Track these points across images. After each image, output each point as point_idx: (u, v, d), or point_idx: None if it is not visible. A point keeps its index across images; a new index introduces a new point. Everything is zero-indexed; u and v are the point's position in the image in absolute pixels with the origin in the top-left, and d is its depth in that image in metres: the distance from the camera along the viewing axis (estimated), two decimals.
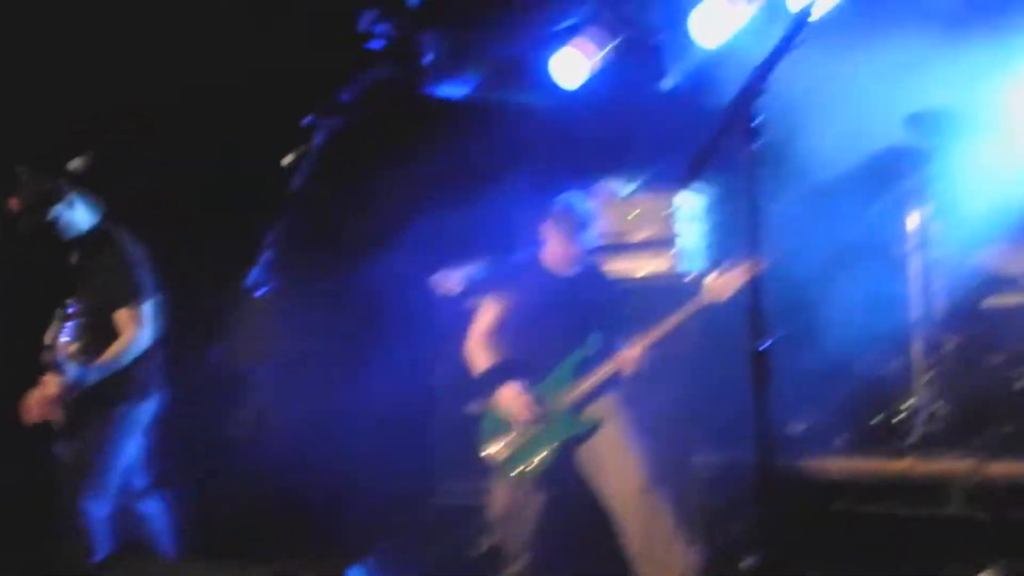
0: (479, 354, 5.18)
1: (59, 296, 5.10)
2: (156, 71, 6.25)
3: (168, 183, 6.13)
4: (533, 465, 4.99)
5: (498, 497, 5.13)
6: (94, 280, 5.13)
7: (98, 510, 5.03)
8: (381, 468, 6.64)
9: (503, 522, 5.11)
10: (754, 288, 2.90)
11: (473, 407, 6.58)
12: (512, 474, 5.01)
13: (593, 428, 4.97)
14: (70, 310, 5.02)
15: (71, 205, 5.24)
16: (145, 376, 5.23)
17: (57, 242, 5.24)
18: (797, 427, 6.13)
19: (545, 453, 4.98)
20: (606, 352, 4.98)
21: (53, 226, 5.21)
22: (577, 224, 5.09)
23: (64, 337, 4.99)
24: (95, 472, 5.04)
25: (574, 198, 5.18)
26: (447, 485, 6.80)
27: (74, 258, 5.29)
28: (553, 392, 5.01)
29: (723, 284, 4.77)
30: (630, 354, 4.87)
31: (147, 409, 5.26)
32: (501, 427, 5.07)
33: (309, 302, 6.71)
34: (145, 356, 5.21)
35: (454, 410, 6.72)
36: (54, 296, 5.13)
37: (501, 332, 5.20)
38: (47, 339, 5.04)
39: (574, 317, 5.05)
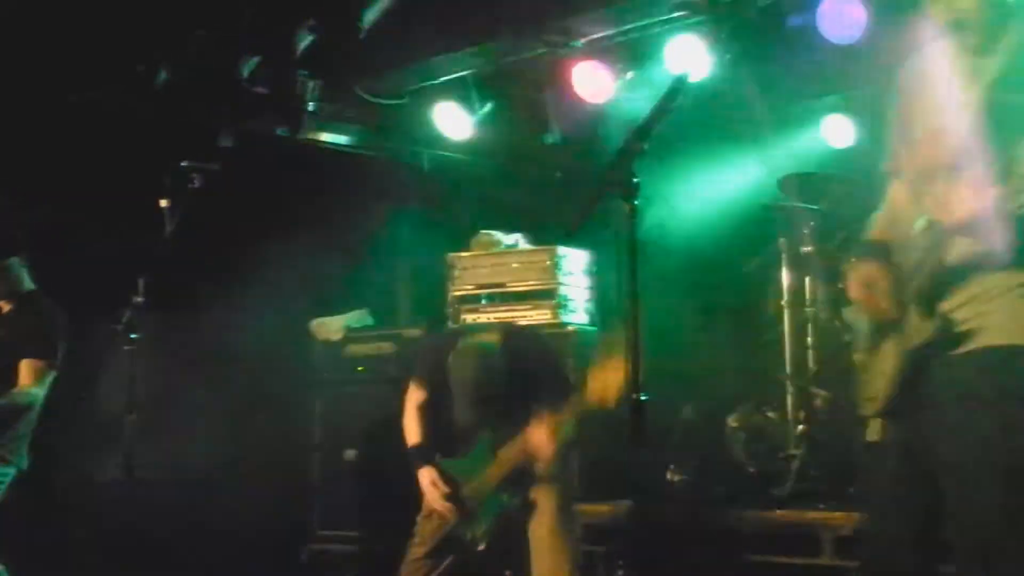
0: (409, 426, 5.03)
1: None
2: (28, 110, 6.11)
3: (41, 223, 5.98)
4: (480, 532, 4.86)
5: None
6: (15, 329, 5.23)
7: None
8: (257, 516, 6.52)
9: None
10: (633, 341, 2.92)
11: (351, 454, 6.55)
12: (465, 537, 4.87)
13: (523, 502, 4.85)
14: None
15: (24, 263, 5.38)
16: (17, 441, 5.16)
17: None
18: (675, 477, 6.20)
19: (486, 526, 4.86)
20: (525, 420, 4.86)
21: (4, 273, 5.31)
22: None
23: None
24: None
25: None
26: (324, 532, 6.72)
27: (5, 307, 5.37)
28: (477, 470, 4.86)
29: (605, 384, 4.42)
30: (539, 438, 4.65)
31: (8, 473, 5.16)
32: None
33: (182, 348, 6.59)
34: (24, 423, 5.17)
35: (332, 457, 6.67)
36: None
37: (433, 401, 5.05)
38: None
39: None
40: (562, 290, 6.38)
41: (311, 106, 6.62)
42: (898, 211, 3.28)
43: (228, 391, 6.56)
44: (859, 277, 3.20)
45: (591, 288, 6.58)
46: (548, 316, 6.33)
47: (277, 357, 6.63)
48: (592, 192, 2.94)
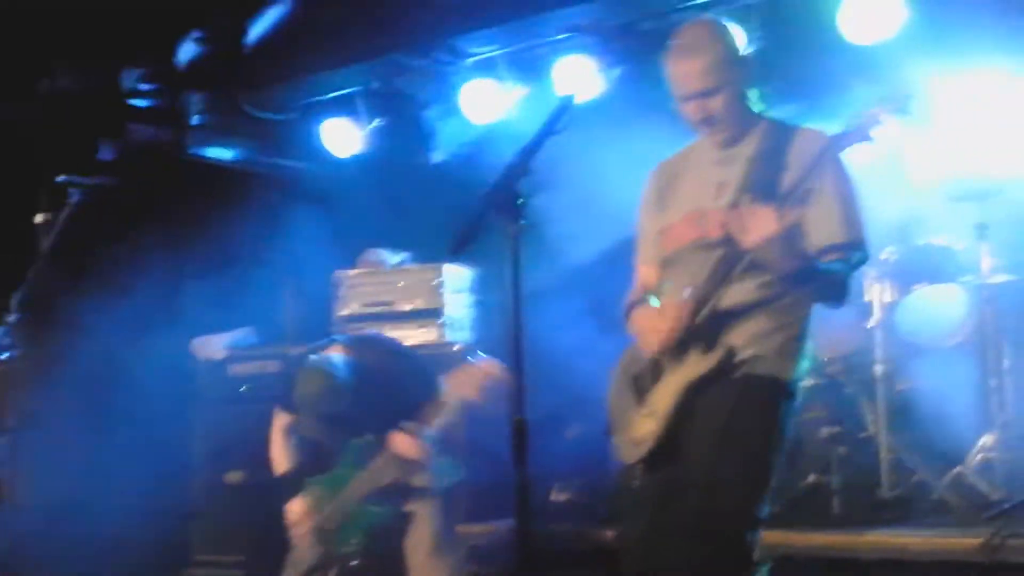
0: (276, 454, 4.98)
1: None
2: None
3: None
4: (352, 548, 4.80)
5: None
6: None
7: None
8: (135, 539, 6.38)
9: None
10: (515, 360, 2.92)
11: (234, 476, 6.44)
12: (338, 552, 4.80)
13: (395, 516, 4.81)
14: None
15: None
16: None
17: None
18: (560, 497, 6.22)
19: (356, 540, 4.80)
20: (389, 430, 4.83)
21: None
22: None
23: None
24: None
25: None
26: (203, 556, 6.59)
27: None
28: (343, 484, 4.83)
29: (464, 381, 4.61)
30: (402, 442, 4.68)
31: None
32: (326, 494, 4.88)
33: (57, 366, 6.41)
34: None
35: (214, 478, 6.55)
36: None
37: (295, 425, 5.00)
38: None
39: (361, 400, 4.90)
40: (448, 309, 6.38)
41: (195, 120, 6.54)
42: (648, 292, 3.55)
43: (106, 411, 6.40)
44: (666, 309, 3.35)
45: (477, 306, 6.60)
46: (434, 335, 6.33)
47: (158, 376, 6.49)
48: (477, 212, 2.95)
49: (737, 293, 3.27)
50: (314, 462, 4.95)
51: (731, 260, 3.21)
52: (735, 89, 3.34)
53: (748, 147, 3.37)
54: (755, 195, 3.18)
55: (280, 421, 4.97)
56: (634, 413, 3.40)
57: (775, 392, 3.30)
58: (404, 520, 4.81)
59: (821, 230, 3.24)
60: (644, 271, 3.62)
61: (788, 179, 3.21)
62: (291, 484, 4.88)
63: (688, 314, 3.28)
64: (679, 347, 3.30)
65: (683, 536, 3.21)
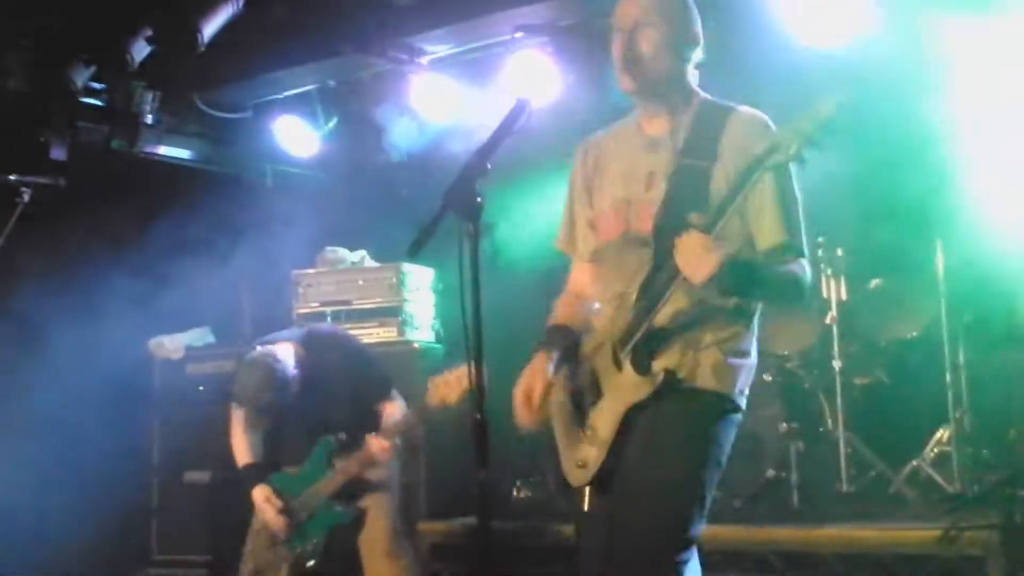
0: (238, 446, 4.95)
1: None
2: None
3: None
4: (310, 548, 4.78)
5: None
6: None
7: None
8: (93, 539, 6.32)
9: None
10: (476, 361, 2.91)
11: (193, 476, 6.40)
12: (293, 553, 4.78)
13: (356, 516, 4.80)
14: None
15: None
16: None
17: None
18: (522, 494, 6.23)
19: (316, 540, 4.79)
20: (356, 435, 4.79)
21: None
22: None
23: None
24: None
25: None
26: (162, 556, 6.55)
27: None
28: (311, 481, 4.83)
29: (447, 389, 4.49)
30: (379, 446, 4.67)
31: None
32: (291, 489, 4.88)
33: (11, 367, 6.35)
34: None
35: (172, 478, 6.51)
36: None
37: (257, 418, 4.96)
38: None
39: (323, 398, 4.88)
40: (407, 307, 6.39)
41: (149, 118, 6.47)
42: (580, 294, 3.44)
43: (63, 412, 6.33)
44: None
45: (436, 305, 6.61)
46: (394, 333, 6.34)
47: (114, 376, 6.43)
48: (435, 212, 2.93)
49: (672, 308, 3.14)
50: (273, 455, 4.93)
51: (668, 277, 3.06)
52: (669, 37, 3.21)
53: (677, 132, 3.25)
54: (685, 195, 3.07)
55: (237, 414, 4.96)
56: (576, 432, 3.28)
57: (713, 406, 3.19)
58: (359, 519, 4.81)
59: (764, 233, 3.17)
60: (576, 271, 3.50)
61: (715, 185, 3.11)
62: (254, 473, 4.88)
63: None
64: (616, 364, 3.19)
65: (630, 560, 3.11)
